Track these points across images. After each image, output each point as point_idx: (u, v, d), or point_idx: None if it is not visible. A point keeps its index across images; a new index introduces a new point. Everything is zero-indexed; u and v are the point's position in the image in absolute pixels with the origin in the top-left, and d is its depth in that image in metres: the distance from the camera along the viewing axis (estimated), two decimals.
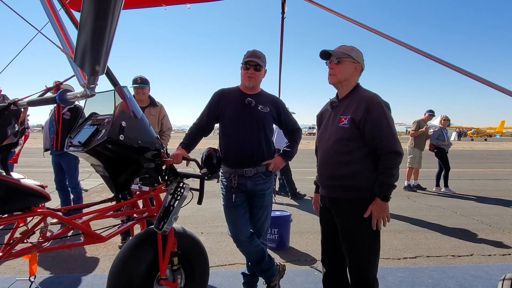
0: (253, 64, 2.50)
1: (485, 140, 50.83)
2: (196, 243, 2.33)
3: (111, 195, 2.17)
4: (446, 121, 7.96)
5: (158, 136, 2.18)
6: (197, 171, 2.28)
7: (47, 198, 1.79)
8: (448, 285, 3.01)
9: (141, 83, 3.87)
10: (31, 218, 1.81)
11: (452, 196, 7.21)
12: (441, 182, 7.80)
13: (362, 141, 1.99)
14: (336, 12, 2.36)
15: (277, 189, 6.75)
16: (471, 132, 55.75)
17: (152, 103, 4.01)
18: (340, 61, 2.07)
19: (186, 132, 2.73)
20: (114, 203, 2.14)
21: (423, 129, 7.81)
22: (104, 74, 1.72)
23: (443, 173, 7.80)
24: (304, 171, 10.54)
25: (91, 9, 1.39)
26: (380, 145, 1.95)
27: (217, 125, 2.73)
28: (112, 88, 2.04)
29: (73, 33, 2.15)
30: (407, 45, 2.01)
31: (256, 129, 2.51)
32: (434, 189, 7.78)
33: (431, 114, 7.96)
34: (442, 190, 7.73)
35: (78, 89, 1.79)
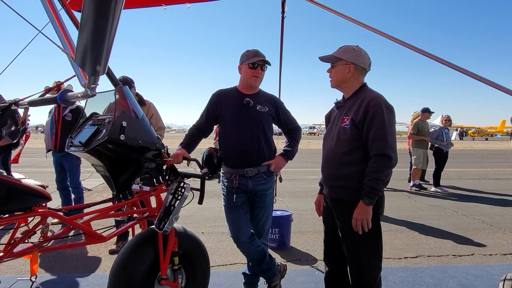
0: (261, 63, 2.50)
1: (486, 139, 50.77)
2: (197, 242, 2.33)
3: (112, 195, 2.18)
4: (447, 121, 7.87)
5: (159, 136, 2.18)
6: (198, 171, 2.28)
7: (48, 198, 1.79)
8: (449, 284, 3.00)
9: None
10: (32, 218, 1.81)
11: (453, 196, 7.20)
12: (442, 182, 7.78)
13: (362, 142, 1.98)
14: (337, 11, 2.36)
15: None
16: (472, 132, 55.69)
17: (140, 101, 3.82)
18: (333, 65, 2.11)
19: (186, 132, 2.73)
20: (115, 203, 2.14)
21: (426, 138, 7.71)
22: (104, 74, 1.72)
23: (433, 172, 7.75)
24: (305, 171, 10.43)
25: (91, 9, 1.39)
26: (371, 146, 1.92)
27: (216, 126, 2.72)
28: (113, 88, 2.04)
29: (73, 33, 2.15)
30: (408, 45, 2.01)
31: (256, 129, 2.50)
32: (432, 190, 7.71)
33: (425, 112, 7.84)
34: (432, 189, 7.66)
35: (79, 89, 1.79)
